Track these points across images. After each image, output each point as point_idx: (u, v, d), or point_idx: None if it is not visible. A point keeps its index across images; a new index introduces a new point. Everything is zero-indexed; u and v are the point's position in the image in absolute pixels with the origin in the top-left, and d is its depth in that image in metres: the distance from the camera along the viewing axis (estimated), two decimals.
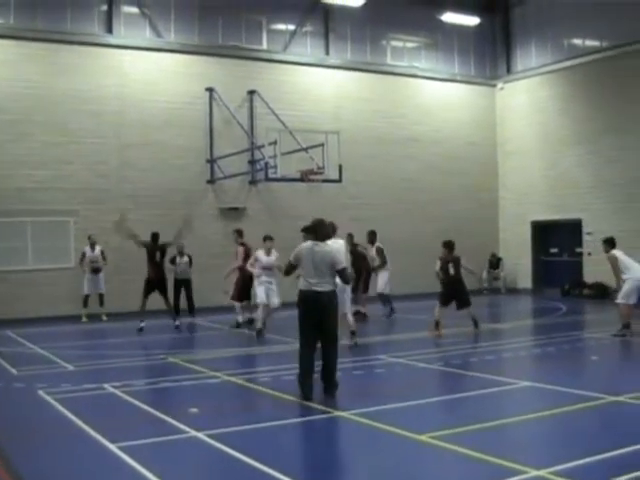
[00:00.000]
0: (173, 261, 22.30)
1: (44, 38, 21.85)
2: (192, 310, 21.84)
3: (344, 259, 10.75)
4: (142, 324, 18.05)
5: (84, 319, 20.88)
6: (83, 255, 21.12)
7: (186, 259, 22.45)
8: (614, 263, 16.04)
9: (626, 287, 15.81)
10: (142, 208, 22.75)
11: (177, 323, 18.80)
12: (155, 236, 18.74)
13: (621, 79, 25.02)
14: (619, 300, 15.94)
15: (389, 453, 7.74)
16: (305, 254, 10.31)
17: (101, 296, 21.34)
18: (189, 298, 21.84)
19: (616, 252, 16.17)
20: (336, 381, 10.17)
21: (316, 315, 10.08)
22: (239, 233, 19.42)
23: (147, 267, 18.51)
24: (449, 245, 17.14)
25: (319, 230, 10.55)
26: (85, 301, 21.13)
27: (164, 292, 18.70)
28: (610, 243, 16.43)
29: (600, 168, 25.70)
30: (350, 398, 9.73)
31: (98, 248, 21.21)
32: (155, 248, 18.60)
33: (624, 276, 15.87)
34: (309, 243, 10.49)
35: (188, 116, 23.79)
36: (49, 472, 7.39)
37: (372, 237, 20.53)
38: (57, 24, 22.08)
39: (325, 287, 10.12)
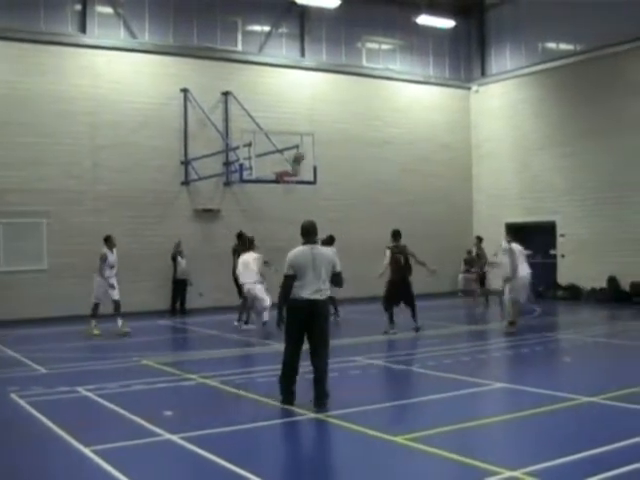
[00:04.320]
0: (174, 259, 22.62)
1: (17, 38, 21.63)
2: (185, 311, 22.16)
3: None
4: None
5: (96, 331, 17.55)
6: (105, 259, 17.60)
7: (185, 260, 22.78)
8: None
9: None
10: (116, 209, 22.63)
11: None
12: (397, 234, 17.49)
13: (594, 83, 25.23)
14: None
15: (364, 455, 7.75)
16: (303, 260, 9.64)
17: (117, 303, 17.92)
18: (184, 298, 22.22)
19: None
20: (327, 390, 9.67)
21: (310, 323, 9.59)
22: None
23: (393, 270, 17.07)
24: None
25: (313, 232, 10.00)
26: (96, 310, 17.91)
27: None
28: None
29: (574, 171, 25.90)
30: None
31: (115, 251, 17.97)
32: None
33: None
34: (304, 247, 9.80)
35: (162, 117, 23.68)
36: (21, 476, 7.32)
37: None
38: (30, 24, 21.89)
39: (324, 294, 9.67)
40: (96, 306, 17.76)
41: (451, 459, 7.30)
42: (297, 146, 20.13)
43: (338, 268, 9.90)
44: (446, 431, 8.35)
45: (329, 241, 17.97)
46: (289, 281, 9.68)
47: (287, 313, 9.75)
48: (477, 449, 7.81)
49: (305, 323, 9.62)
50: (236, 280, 18.86)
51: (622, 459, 7.08)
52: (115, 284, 17.64)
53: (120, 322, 17.62)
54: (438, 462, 7.35)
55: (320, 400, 9.56)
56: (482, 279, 23.60)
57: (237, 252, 19.00)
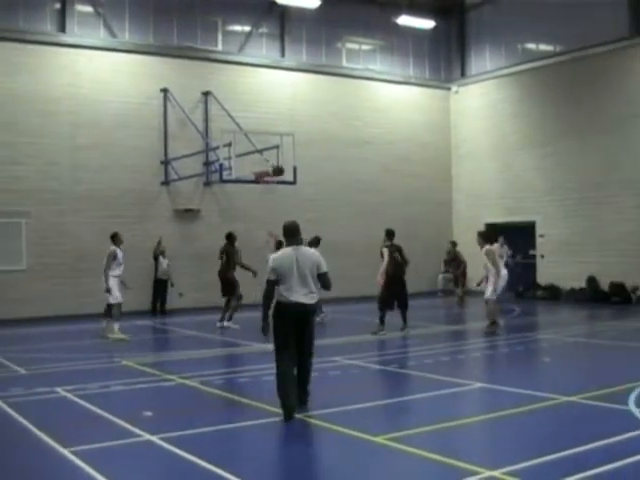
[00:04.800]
0: (156, 259, 22.59)
1: None
2: (165, 311, 22.12)
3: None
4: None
5: (123, 336, 16.79)
6: (115, 256, 16.59)
7: (167, 260, 22.76)
8: None
9: None
10: (95, 209, 22.50)
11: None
12: (391, 233, 17.36)
13: (574, 84, 25.38)
14: None
15: (344, 455, 7.75)
16: (286, 263, 9.26)
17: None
18: (165, 299, 22.16)
19: None
20: (308, 390, 9.63)
21: (300, 328, 9.32)
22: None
23: (390, 266, 16.77)
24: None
25: (297, 233, 9.66)
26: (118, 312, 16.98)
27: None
28: None
29: (554, 171, 26.04)
30: None
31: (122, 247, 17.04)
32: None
33: None
34: (287, 249, 9.49)
35: (142, 117, 23.58)
36: None
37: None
38: (9, 22, 21.73)
39: (314, 298, 9.36)
40: (118, 306, 16.75)
41: (431, 459, 7.32)
42: (277, 146, 20.09)
43: (324, 268, 9.50)
44: (426, 431, 8.37)
45: (315, 242, 17.98)
46: (271, 287, 9.32)
47: (277, 318, 9.39)
48: (457, 449, 7.83)
49: (295, 327, 9.34)
50: (224, 280, 18.59)
51: (601, 459, 7.12)
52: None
53: (106, 324, 17.18)
54: (418, 462, 7.36)
55: (302, 400, 9.53)
56: (456, 280, 24.41)
57: (226, 252, 18.65)
